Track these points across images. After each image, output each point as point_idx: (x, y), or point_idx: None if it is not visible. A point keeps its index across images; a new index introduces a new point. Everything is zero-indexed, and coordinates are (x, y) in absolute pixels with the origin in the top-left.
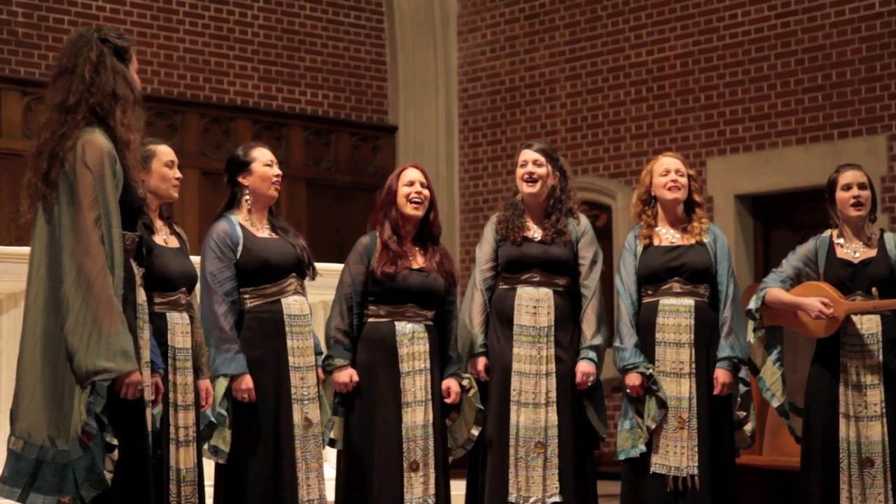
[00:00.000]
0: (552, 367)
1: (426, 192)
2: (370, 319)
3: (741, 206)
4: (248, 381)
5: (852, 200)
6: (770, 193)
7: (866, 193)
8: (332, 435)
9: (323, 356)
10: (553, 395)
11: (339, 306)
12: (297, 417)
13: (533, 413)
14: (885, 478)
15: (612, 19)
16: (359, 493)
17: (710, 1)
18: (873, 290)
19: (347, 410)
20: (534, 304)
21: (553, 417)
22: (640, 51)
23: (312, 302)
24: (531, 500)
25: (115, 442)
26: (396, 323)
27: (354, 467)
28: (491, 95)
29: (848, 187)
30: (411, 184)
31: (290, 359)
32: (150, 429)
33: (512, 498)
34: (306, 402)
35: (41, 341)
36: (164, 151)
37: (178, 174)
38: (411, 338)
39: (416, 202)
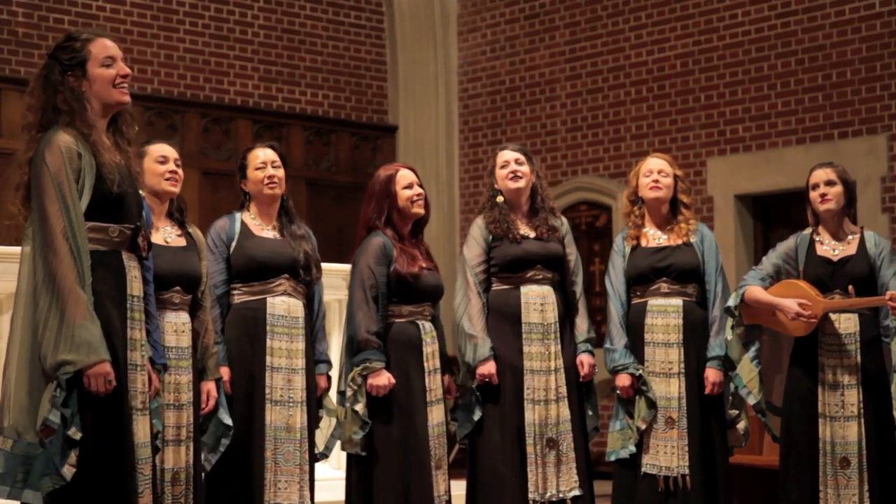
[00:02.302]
0: (559, 362)
1: (423, 190)
2: (396, 320)
3: (741, 205)
4: (224, 373)
5: (818, 198)
6: (770, 193)
7: (833, 190)
8: (355, 438)
9: (358, 359)
10: (563, 389)
11: (365, 308)
12: (271, 418)
13: (545, 409)
14: (860, 479)
15: (612, 19)
16: (394, 494)
17: (710, 1)
18: (850, 288)
19: (377, 414)
20: (540, 300)
21: (565, 412)
22: (640, 51)
23: None
24: (547, 494)
25: (78, 437)
26: (419, 322)
27: (388, 469)
28: (491, 95)
29: (815, 186)
30: (410, 185)
31: (269, 358)
32: (147, 425)
33: (533, 496)
34: (290, 405)
35: (28, 339)
36: (155, 149)
37: (172, 168)
38: (432, 336)
39: (419, 202)
